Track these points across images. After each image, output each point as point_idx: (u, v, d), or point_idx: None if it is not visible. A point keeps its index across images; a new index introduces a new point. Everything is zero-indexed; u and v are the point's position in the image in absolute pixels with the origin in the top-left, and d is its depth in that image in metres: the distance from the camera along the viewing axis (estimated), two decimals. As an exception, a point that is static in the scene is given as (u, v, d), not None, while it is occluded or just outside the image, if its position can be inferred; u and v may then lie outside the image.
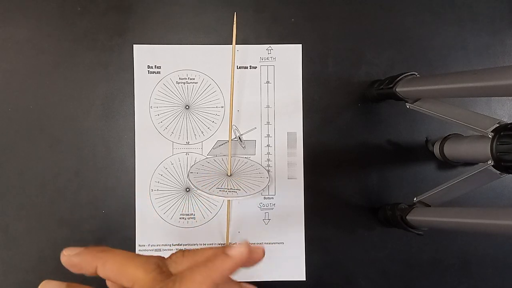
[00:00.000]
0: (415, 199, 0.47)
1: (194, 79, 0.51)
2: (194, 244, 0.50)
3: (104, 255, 0.21)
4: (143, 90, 0.51)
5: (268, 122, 0.52)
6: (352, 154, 0.52)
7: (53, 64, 0.50)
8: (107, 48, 0.51)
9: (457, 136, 0.49)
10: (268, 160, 0.51)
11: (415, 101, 0.46)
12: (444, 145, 0.48)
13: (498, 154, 0.35)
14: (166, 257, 0.22)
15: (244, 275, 0.50)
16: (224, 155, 0.51)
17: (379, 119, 0.52)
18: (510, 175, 0.37)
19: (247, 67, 0.52)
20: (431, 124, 0.52)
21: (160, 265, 0.21)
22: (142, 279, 0.19)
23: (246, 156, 0.51)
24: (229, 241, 0.50)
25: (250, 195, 0.42)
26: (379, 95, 0.50)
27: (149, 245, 0.50)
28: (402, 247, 0.52)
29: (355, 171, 0.52)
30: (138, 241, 0.50)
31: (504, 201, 0.52)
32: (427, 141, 0.52)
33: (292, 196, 0.51)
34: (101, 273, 0.21)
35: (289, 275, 0.51)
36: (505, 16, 0.53)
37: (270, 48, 0.52)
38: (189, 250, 0.22)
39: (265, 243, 0.51)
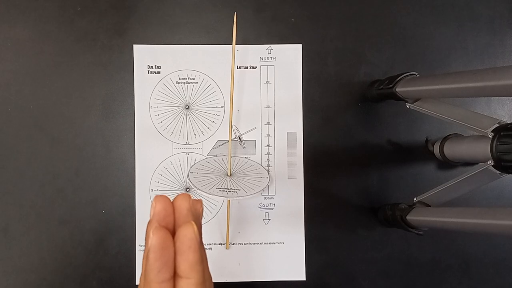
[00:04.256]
0: (415, 199, 0.47)
1: (194, 79, 0.51)
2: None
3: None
4: (143, 90, 0.51)
5: (268, 122, 0.51)
6: (352, 154, 0.52)
7: (53, 64, 0.50)
8: (107, 48, 0.51)
9: (457, 136, 0.49)
10: (268, 160, 0.51)
11: (415, 101, 0.46)
12: (444, 145, 0.48)
13: (498, 154, 0.35)
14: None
15: (245, 274, 0.50)
16: (224, 155, 0.51)
17: (379, 119, 0.52)
18: (510, 175, 0.37)
19: (247, 67, 0.52)
20: (431, 124, 0.52)
21: None
22: None
23: (246, 156, 0.51)
24: (229, 241, 0.50)
25: (250, 195, 0.42)
26: (379, 95, 0.50)
27: (149, 245, 0.50)
28: (402, 247, 0.52)
29: (355, 171, 0.52)
30: (138, 241, 0.50)
31: (504, 201, 0.52)
32: (427, 141, 0.52)
33: (292, 196, 0.51)
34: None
35: (289, 275, 0.51)
36: (505, 16, 0.53)
37: (270, 48, 0.52)
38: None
39: (265, 243, 0.51)
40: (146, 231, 0.20)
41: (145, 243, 0.20)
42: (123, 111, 0.51)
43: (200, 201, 0.23)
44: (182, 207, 0.21)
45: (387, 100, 0.50)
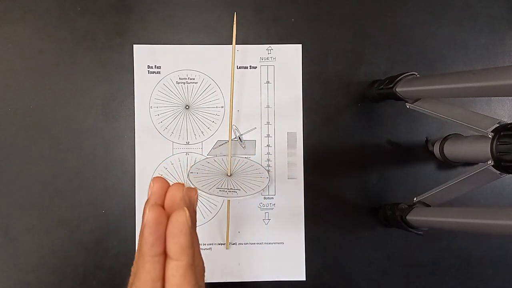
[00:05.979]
0: (415, 199, 0.47)
1: (194, 79, 0.51)
2: (194, 244, 0.50)
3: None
4: (143, 90, 0.51)
5: (268, 122, 0.51)
6: (352, 154, 0.52)
7: (53, 64, 0.50)
8: (107, 48, 0.51)
9: (457, 136, 0.49)
10: (268, 160, 0.51)
11: (415, 101, 0.46)
12: (444, 145, 0.48)
13: (498, 154, 0.35)
14: None
15: (245, 274, 0.50)
16: (224, 155, 0.51)
17: (379, 119, 0.52)
18: (510, 175, 0.37)
19: (247, 67, 0.52)
20: (431, 124, 0.52)
21: None
22: None
23: (246, 156, 0.51)
24: (229, 241, 0.50)
25: (250, 195, 0.42)
26: (379, 95, 0.50)
27: (149, 245, 0.50)
28: (402, 247, 0.52)
29: (355, 171, 0.52)
30: (138, 241, 0.50)
31: (504, 201, 0.52)
32: (427, 141, 0.52)
33: (292, 196, 0.51)
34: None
35: (289, 275, 0.51)
36: (505, 16, 0.53)
37: (270, 48, 0.52)
38: None
39: (265, 243, 0.51)
40: (143, 209, 0.22)
41: (142, 220, 0.22)
42: (123, 111, 0.51)
43: (194, 189, 0.24)
44: (176, 196, 0.22)
45: (387, 100, 0.50)
